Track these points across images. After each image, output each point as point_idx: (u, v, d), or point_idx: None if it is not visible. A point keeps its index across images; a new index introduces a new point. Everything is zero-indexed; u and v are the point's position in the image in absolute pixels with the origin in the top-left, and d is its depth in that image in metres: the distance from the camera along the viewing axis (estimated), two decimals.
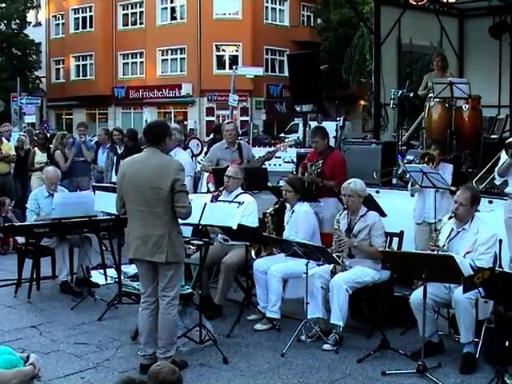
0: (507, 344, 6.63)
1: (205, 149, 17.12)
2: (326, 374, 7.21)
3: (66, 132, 17.73)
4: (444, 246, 7.59)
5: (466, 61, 16.44)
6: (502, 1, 14.90)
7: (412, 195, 10.05)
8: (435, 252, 7.48)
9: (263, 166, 11.78)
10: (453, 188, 9.41)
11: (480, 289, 6.75)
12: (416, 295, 7.44)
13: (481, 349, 7.36)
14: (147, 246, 7.08)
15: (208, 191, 11.62)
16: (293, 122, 43.69)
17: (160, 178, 7.00)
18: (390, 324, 8.30)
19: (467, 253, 7.42)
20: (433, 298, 7.36)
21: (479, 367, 7.24)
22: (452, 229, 7.70)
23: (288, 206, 9.24)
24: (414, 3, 14.34)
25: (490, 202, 9.82)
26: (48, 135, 19.34)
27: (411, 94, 13.63)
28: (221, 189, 9.67)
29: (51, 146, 15.61)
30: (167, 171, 7.03)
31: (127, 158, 7.58)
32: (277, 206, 9.57)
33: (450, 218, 7.75)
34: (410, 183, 10.07)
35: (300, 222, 8.97)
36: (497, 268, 7.13)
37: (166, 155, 7.49)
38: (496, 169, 8.84)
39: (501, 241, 7.67)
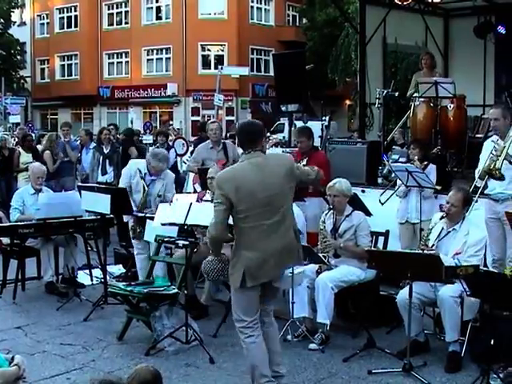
0: (492, 343, 6.64)
1: (190, 148, 17.11)
2: (312, 374, 7.23)
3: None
4: (433, 245, 7.61)
5: (450, 60, 16.50)
6: (486, 1, 14.98)
7: (399, 196, 10.06)
8: (422, 251, 7.52)
9: None
10: (438, 187, 9.45)
11: (466, 288, 6.78)
12: (402, 294, 7.46)
13: (466, 347, 7.40)
14: (280, 259, 6.36)
15: (194, 192, 11.62)
16: (278, 122, 43.58)
17: (283, 178, 6.42)
18: (376, 323, 8.32)
19: (456, 254, 7.45)
20: (418, 297, 7.39)
21: (464, 366, 7.28)
22: (442, 228, 7.73)
23: None
24: (399, 3, 14.38)
25: (476, 201, 9.83)
26: (33, 135, 19.31)
27: (396, 94, 13.67)
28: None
29: (38, 146, 15.55)
30: (283, 168, 6.42)
31: (229, 174, 6.40)
32: None
33: (442, 217, 7.77)
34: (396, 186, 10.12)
35: None
36: (482, 267, 7.15)
37: (268, 154, 7.01)
38: (476, 172, 8.86)
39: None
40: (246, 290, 6.26)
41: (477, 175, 8.78)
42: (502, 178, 8.19)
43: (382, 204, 10.11)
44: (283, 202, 6.38)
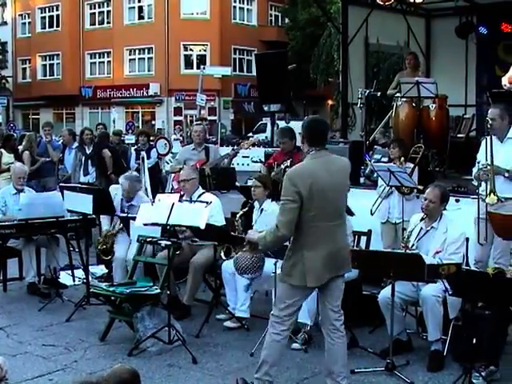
0: (474, 342, 6.67)
1: (172, 149, 17.15)
2: (295, 373, 7.24)
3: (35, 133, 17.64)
4: (413, 245, 7.63)
5: (432, 61, 16.54)
6: (468, 1, 15.02)
7: (381, 197, 10.08)
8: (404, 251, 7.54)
9: (231, 166, 11.83)
10: (420, 187, 9.48)
11: (448, 286, 6.81)
12: (384, 294, 7.48)
13: (448, 346, 7.42)
14: (337, 262, 6.26)
15: (172, 189, 11.65)
16: (261, 122, 43.67)
17: (346, 180, 6.41)
18: (359, 322, 8.32)
19: (437, 252, 7.47)
20: (401, 296, 7.41)
21: (447, 365, 7.30)
22: (421, 228, 7.75)
23: (256, 204, 9.24)
24: (381, 3, 14.40)
25: (457, 201, 9.89)
26: (15, 135, 19.20)
27: (378, 94, 13.69)
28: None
29: (20, 146, 15.48)
30: (346, 170, 6.41)
31: (302, 171, 6.18)
32: (246, 209, 9.54)
33: (422, 219, 7.78)
34: (378, 186, 10.16)
35: (271, 222, 8.93)
36: (464, 266, 7.18)
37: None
38: (474, 170, 8.88)
39: (467, 239, 7.72)
40: (300, 290, 6.20)
41: (474, 171, 8.79)
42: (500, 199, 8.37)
43: (372, 214, 10.13)
44: (344, 204, 6.38)
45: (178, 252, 8.58)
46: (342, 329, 6.43)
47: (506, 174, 8.52)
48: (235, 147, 12.15)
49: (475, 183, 8.88)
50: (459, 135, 13.71)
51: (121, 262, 9.69)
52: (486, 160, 8.49)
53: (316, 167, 6.14)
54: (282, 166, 10.31)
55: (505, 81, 10.25)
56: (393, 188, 9.79)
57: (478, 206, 8.65)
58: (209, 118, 46.24)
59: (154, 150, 16.05)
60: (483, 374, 6.66)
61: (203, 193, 9.59)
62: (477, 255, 8.63)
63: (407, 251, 7.51)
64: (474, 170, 8.81)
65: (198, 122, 16.39)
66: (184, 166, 10.74)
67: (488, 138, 8.59)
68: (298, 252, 6.16)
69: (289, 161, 10.33)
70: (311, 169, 6.15)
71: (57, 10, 57.15)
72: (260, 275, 7.89)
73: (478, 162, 8.73)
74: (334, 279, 6.31)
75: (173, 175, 12.35)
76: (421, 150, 10.78)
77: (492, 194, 8.34)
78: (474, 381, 6.56)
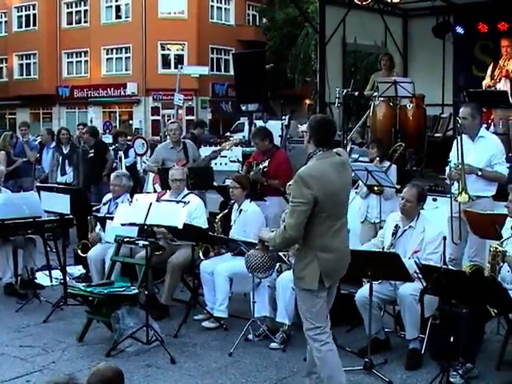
0: (452, 340, 6.71)
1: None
2: (273, 373, 7.24)
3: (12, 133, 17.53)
4: (391, 245, 7.65)
5: (410, 60, 16.62)
6: (444, 1, 15.10)
7: (361, 197, 10.10)
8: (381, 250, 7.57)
9: (210, 165, 11.85)
10: (398, 186, 9.52)
11: (425, 285, 6.84)
12: (361, 293, 7.50)
13: (426, 345, 7.46)
14: (347, 261, 6.25)
15: (155, 192, 11.61)
16: (238, 122, 43.64)
17: (350, 179, 6.35)
18: (337, 321, 8.31)
19: (415, 252, 7.48)
20: (378, 295, 7.43)
21: (425, 363, 7.34)
22: (398, 226, 7.76)
23: (235, 205, 9.24)
24: (359, 3, 14.45)
25: (435, 200, 9.93)
26: None
27: (356, 93, 13.73)
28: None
29: None
30: (349, 168, 6.43)
31: (316, 173, 5.95)
32: (226, 211, 9.52)
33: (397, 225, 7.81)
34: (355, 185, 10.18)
35: (250, 222, 8.97)
36: (442, 265, 7.21)
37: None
38: (447, 169, 8.96)
39: (445, 238, 7.75)
40: (320, 292, 5.98)
41: (447, 171, 8.86)
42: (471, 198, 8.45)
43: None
44: (347, 202, 6.28)
45: (158, 252, 8.58)
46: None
47: (479, 173, 8.59)
48: (217, 149, 12.16)
49: (448, 182, 8.96)
50: (436, 134, 13.79)
51: (93, 260, 9.68)
52: (458, 159, 8.55)
53: (325, 168, 5.98)
54: (261, 166, 10.31)
55: None
56: None
57: (450, 205, 8.72)
58: (186, 117, 46.26)
59: (132, 149, 16.02)
60: (460, 371, 6.70)
61: (188, 194, 9.58)
62: (451, 253, 8.67)
63: (385, 250, 7.54)
64: (447, 169, 8.89)
65: (174, 120, 16.35)
66: (175, 165, 10.66)
67: (459, 137, 8.67)
68: (310, 253, 5.97)
69: (267, 160, 10.34)
70: (322, 170, 5.97)
71: (33, 9, 56.85)
72: (271, 275, 7.84)
73: (450, 161, 8.81)
74: (334, 284, 6.24)
75: (152, 176, 12.32)
76: (401, 148, 10.83)
77: (463, 193, 8.40)
78: (452, 379, 6.59)
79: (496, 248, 6.78)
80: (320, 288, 5.95)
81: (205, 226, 9.16)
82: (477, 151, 8.71)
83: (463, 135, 8.71)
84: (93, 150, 14.19)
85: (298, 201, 5.84)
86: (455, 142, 8.82)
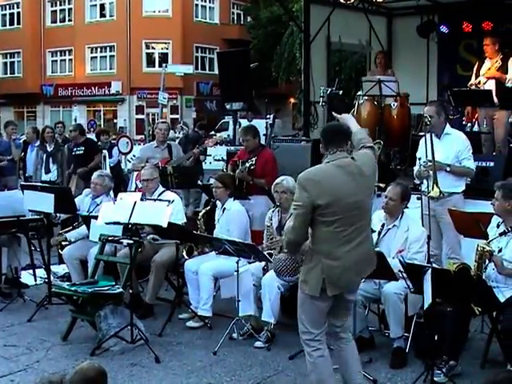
0: (436, 338, 6.72)
1: (134, 148, 17.08)
2: (258, 371, 7.24)
3: None
4: (376, 243, 7.65)
5: (394, 59, 16.61)
6: (429, 0, 15.13)
7: None
8: None
9: (192, 164, 11.90)
10: (381, 185, 9.53)
11: (409, 283, 6.85)
12: None
13: (411, 343, 7.47)
14: (363, 268, 6.00)
15: (136, 188, 11.63)
16: (223, 120, 43.60)
17: (370, 181, 6.03)
18: None
19: (399, 251, 7.49)
20: (363, 293, 7.43)
21: (409, 361, 7.35)
22: (383, 225, 7.77)
23: (218, 203, 9.24)
24: (343, 2, 14.47)
25: (419, 199, 9.94)
26: None
27: (340, 92, 13.74)
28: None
29: None
30: (371, 169, 6.05)
31: (314, 176, 5.80)
32: (208, 208, 9.54)
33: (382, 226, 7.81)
34: None
35: (233, 221, 8.97)
36: (426, 264, 7.22)
37: (355, 154, 6.11)
38: (415, 169, 9.05)
39: (429, 237, 7.77)
40: (320, 300, 5.80)
41: (415, 170, 8.95)
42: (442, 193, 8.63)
43: None
44: (369, 205, 6.02)
45: (139, 250, 8.56)
46: (349, 336, 6.24)
47: (448, 169, 8.73)
48: (199, 146, 12.15)
49: (417, 181, 9.03)
50: (421, 133, 13.75)
51: (67, 259, 9.72)
52: (427, 157, 8.62)
53: (331, 172, 5.79)
54: (247, 165, 10.30)
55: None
56: None
57: (421, 204, 8.86)
58: (171, 116, 46.25)
59: (116, 148, 15.97)
60: (444, 369, 6.72)
61: (164, 191, 9.58)
62: (432, 250, 8.71)
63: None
64: (415, 168, 8.96)
65: (164, 120, 16.34)
66: (146, 164, 10.70)
67: (427, 135, 8.73)
68: (316, 258, 5.81)
69: (254, 159, 10.33)
70: (325, 173, 5.81)
71: (17, 7, 56.58)
72: (297, 279, 7.77)
73: (419, 159, 8.90)
74: (352, 290, 6.12)
75: (135, 174, 12.32)
76: (380, 145, 10.84)
77: (435, 187, 8.49)
78: (436, 378, 6.61)
79: (483, 248, 6.81)
80: (322, 296, 5.77)
81: (183, 221, 9.21)
82: (444, 148, 8.86)
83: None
84: (82, 148, 14.12)
85: (296, 204, 5.77)
86: (422, 140, 8.93)
